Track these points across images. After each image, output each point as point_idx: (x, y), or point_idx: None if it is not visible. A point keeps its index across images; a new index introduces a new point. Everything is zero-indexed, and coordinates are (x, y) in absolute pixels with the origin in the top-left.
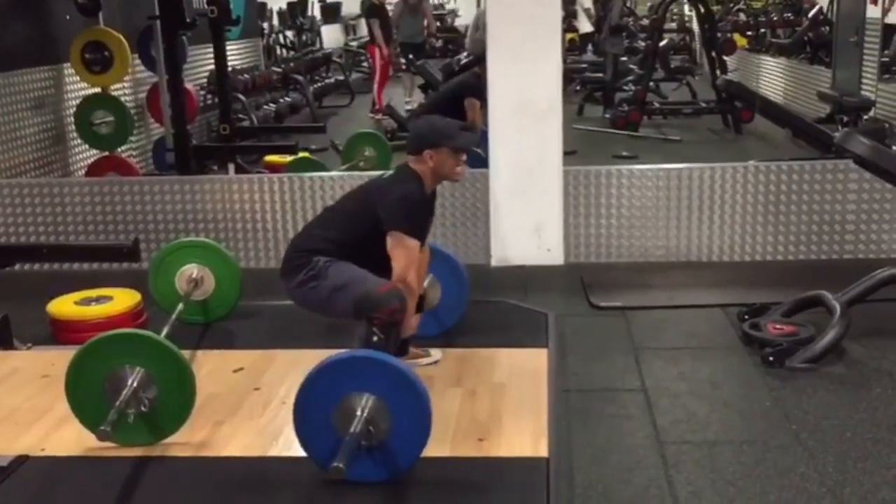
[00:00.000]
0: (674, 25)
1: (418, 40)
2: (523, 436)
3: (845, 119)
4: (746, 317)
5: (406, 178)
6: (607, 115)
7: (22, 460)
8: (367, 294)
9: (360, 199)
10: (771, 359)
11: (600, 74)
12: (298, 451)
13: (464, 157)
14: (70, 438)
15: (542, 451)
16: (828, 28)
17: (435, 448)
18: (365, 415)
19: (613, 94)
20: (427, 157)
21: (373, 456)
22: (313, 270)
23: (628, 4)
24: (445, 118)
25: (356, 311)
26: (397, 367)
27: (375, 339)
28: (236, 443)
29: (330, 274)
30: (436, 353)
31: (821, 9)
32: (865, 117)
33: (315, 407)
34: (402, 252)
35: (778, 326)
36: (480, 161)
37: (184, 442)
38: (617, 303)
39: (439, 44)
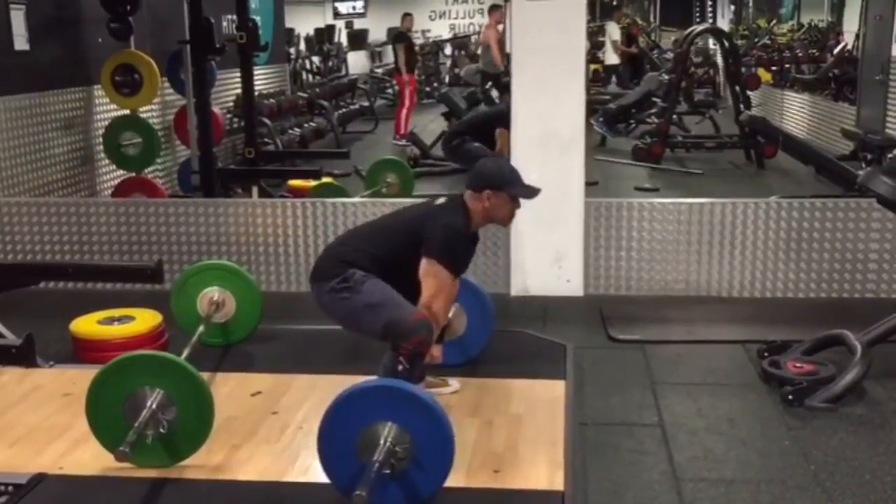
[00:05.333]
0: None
1: (492, 70)
2: (539, 468)
3: (869, 157)
4: (766, 354)
5: (455, 210)
6: (592, 121)
7: (39, 479)
8: (399, 320)
9: (407, 221)
10: (790, 397)
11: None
12: (315, 477)
13: (518, 206)
14: (88, 458)
15: (558, 484)
16: (853, 65)
17: (450, 478)
18: (388, 444)
19: (611, 112)
20: (486, 196)
21: (394, 485)
22: (348, 282)
23: (653, 38)
24: (511, 164)
25: (385, 333)
26: (422, 398)
27: (401, 368)
28: (253, 467)
29: (364, 290)
30: (454, 383)
31: (846, 45)
32: (890, 155)
33: (339, 434)
34: (433, 281)
35: (798, 365)
36: None
37: (200, 465)
38: (636, 336)
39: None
